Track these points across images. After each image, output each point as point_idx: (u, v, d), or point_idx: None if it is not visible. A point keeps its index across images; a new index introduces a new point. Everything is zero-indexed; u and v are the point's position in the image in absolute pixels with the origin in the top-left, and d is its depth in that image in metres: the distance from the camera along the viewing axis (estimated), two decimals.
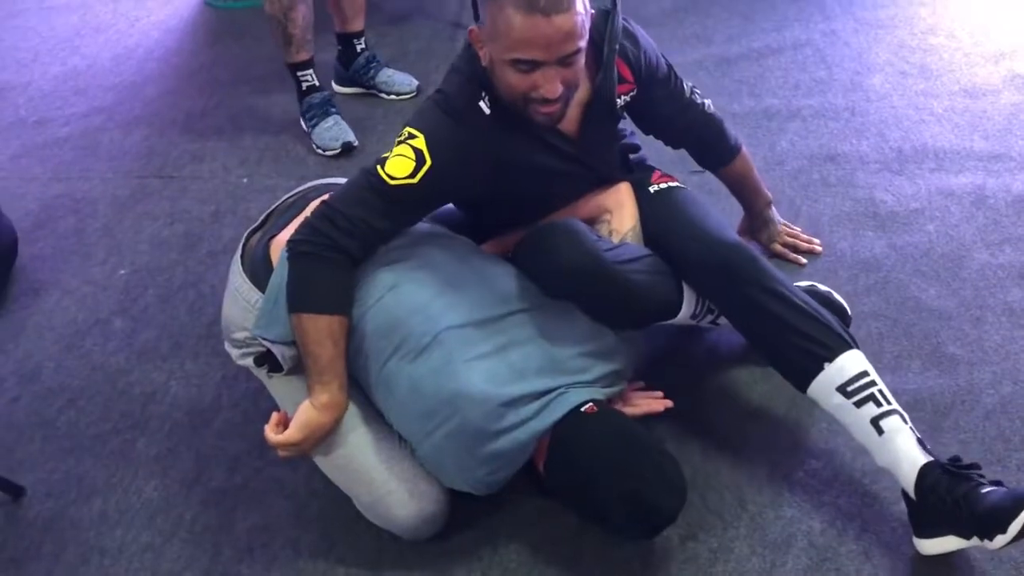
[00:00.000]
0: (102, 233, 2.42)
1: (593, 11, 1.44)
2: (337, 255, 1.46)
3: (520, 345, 1.47)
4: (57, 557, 1.57)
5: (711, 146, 1.88)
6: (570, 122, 1.55)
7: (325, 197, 1.55)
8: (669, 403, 1.63)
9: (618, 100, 1.59)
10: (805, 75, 2.73)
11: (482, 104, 1.47)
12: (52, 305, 2.16)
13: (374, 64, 2.90)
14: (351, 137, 2.62)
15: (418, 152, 1.44)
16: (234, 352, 1.64)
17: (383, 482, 1.46)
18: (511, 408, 1.39)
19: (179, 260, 2.28)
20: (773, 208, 2.05)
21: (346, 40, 2.85)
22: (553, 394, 1.43)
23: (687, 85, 1.73)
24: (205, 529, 1.60)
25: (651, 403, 1.63)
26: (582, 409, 1.43)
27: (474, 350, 1.43)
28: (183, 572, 1.53)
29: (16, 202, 2.55)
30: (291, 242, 1.48)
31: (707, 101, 1.79)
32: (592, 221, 1.64)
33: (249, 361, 1.60)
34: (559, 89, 1.38)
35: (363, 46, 2.88)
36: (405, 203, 1.48)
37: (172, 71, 3.29)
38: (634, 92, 1.61)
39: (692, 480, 1.58)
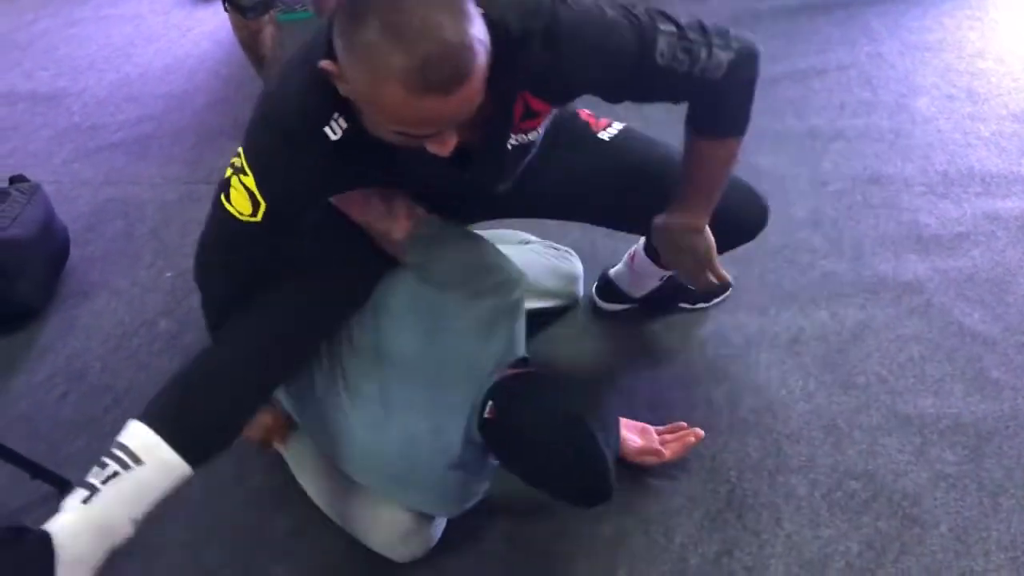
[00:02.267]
0: (150, 236, 2.47)
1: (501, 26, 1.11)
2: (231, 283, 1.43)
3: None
4: None
5: (698, 113, 1.39)
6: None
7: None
8: (700, 432, 1.63)
9: (522, 138, 1.33)
10: (850, 96, 2.71)
11: (328, 130, 1.17)
12: (101, 306, 2.22)
13: None
14: None
15: (250, 193, 1.23)
16: None
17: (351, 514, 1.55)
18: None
19: None
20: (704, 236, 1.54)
21: None
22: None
23: (692, 54, 1.24)
24: (244, 529, 1.62)
25: (684, 440, 1.63)
26: (485, 415, 1.43)
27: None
28: (220, 571, 1.56)
29: (69, 205, 2.62)
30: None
31: (725, 59, 1.26)
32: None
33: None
34: (452, 147, 1.12)
35: None
36: (258, 235, 1.31)
37: (221, 81, 3.36)
38: (549, 117, 1.37)
39: (728, 499, 1.58)
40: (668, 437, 1.65)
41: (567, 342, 1.95)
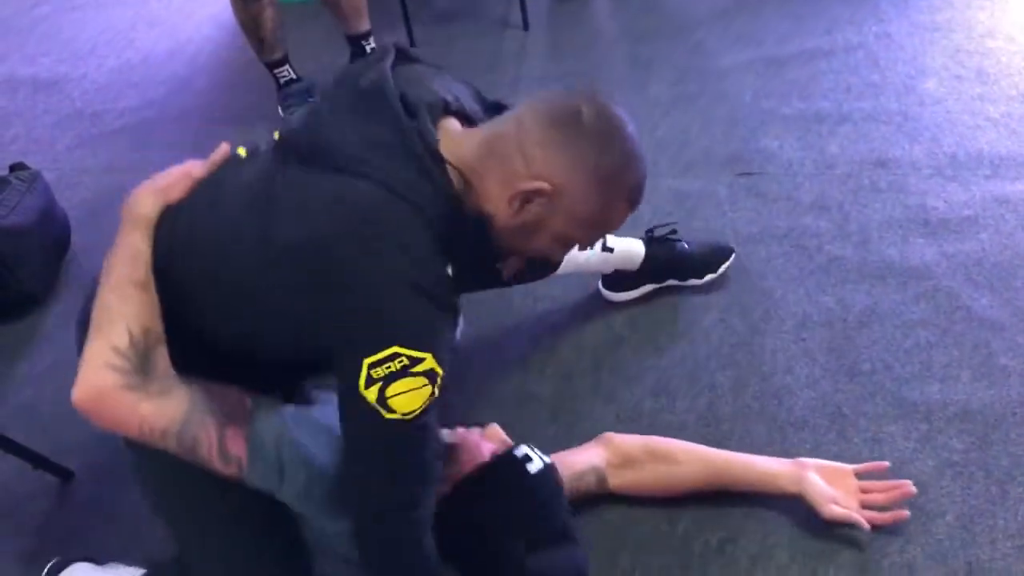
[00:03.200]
0: None
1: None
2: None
3: None
4: (102, 540, 1.61)
5: None
6: None
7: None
8: (912, 489, 1.46)
9: None
10: (857, 78, 2.68)
11: (448, 270, 1.11)
12: None
13: None
14: None
15: (430, 374, 1.07)
16: None
17: None
18: None
19: None
20: None
21: (355, 42, 2.87)
22: None
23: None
24: None
25: (895, 513, 1.46)
26: None
27: None
28: None
29: (71, 192, 2.61)
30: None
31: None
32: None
33: None
34: None
35: (372, 46, 2.88)
36: (432, 422, 1.13)
37: (223, 65, 3.34)
38: None
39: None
40: (876, 495, 1.46)
41: (570, 330, 1.94)
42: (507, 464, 1.32)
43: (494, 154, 1.12)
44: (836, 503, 1.45)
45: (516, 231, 1.15)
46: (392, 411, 1.06)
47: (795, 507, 1.52)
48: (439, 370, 1.07)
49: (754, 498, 1.54)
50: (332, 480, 1.19)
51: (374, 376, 1.04)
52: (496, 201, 1.12)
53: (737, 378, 1.77)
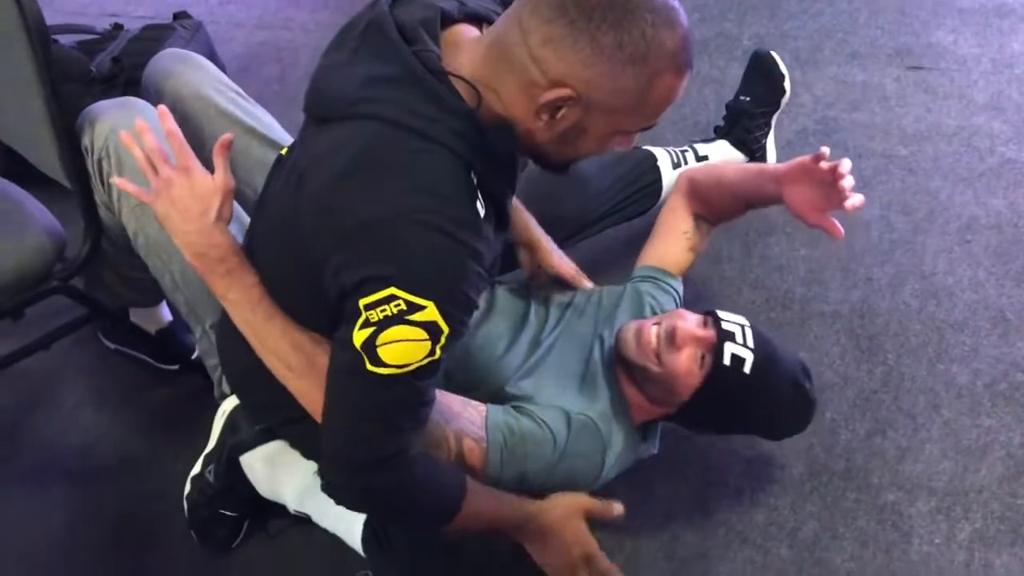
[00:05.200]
0: (303, 81, 2.49)
1: None
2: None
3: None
4: None
5: None
6: None
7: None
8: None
9: None
10: None
11: (479, 204, 0.98)
12: None
13: None
14: None
15: (431, 327, 0.94)
16: None
17: None
18: None
19: None
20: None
21: None
22: None
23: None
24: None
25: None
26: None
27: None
28: None
29: (224, 47, 2.65)
30: (349, 490, 1.08)
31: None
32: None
33: None
34: None
35: None
36: (429, 378, 1.01)
37: None
38: None
39: (884, 381, 1.55)
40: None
41: None
42: (723, 375, 1.28)
43: (504, 60, 0.94)
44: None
45: (558, 142, 0.99)
46: (377, 362, 0.94)
47: (949, 406, 1.49)
48: (444, 326, 0.93)
49: (906, 395, 1.52)
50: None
51: (370, 319, 0.93)
52: (524, 114, 0.96)
53: (895, 274, 1.72)
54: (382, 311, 0.92)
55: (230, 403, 1.40)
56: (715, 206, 1.54)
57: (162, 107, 1.17)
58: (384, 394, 0.98)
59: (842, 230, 1.31)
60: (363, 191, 0.93)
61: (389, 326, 0.93)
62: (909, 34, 2.31)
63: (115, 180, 1.23)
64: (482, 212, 0.97)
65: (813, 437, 1.48)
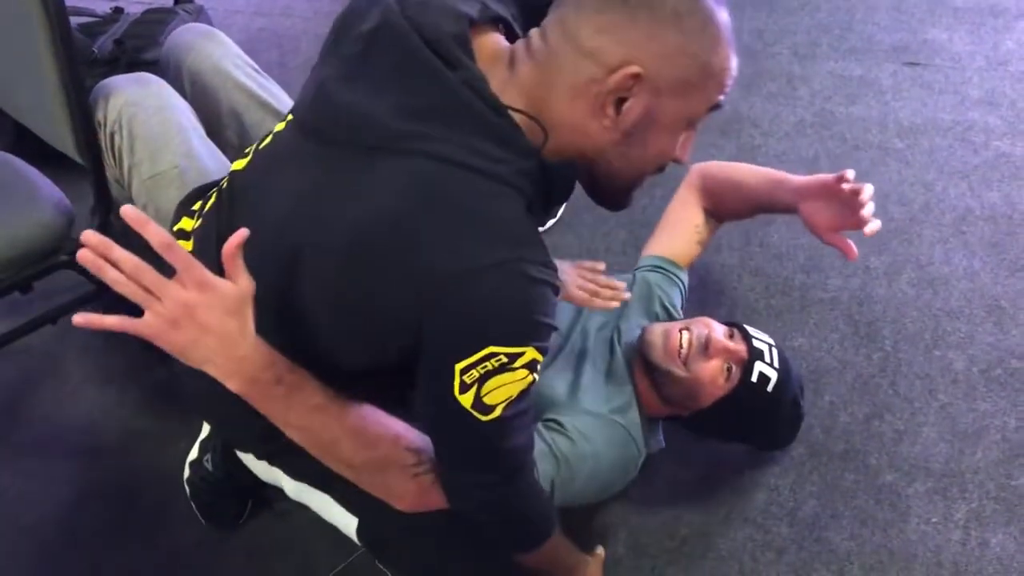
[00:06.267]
0: (304, 69, 2.49)
1: None
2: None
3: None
4: None
5: None
6: None
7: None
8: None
9: None
10: None
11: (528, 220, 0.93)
12: None
13: None
14: None
15: (531, 364, 0.91)
16: None
17: None
18: None
19: None
20: None
21: None
22: None
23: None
24: None
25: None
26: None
27: None
28: None
29: (223, 31, 2.66)
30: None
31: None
32: None
33: None
34: None
35: None
36: (531, 407, 1.00)
37: None
38: None
39: (882, 366, 1.58)
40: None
41: None
42: (750, 391, 1.32)
43: (553, 71, 0.88)
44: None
45: (627, 143, 0.91)
46: (489, 411, 0.92)
47: (945, 391, 1.52)
48: (540, 357, 0.91)
49: (902, 379, 1.55)
50: None
51: (467, 381, 0.89)
52: (586, 127, 0.90)
53: (892, 263, 1.75)
54: (483, 368, 0.88)
55: None
56: (726, 206, 1.56)
57: (136, 214, 0.85)
58: (497, 430, 0.95)
59: (856, 251, 1.34)
60: (437, 240, 0.85)
61: (492, 377, 0.89)
62: (905, 31, 2.34)
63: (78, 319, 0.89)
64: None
65: (813, 420, 1.50)
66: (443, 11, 0.91)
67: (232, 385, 0.91)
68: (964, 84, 2.16)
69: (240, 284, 0.88)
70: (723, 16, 0.89)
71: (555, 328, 0.93)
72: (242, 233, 0.87)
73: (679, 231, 1.58)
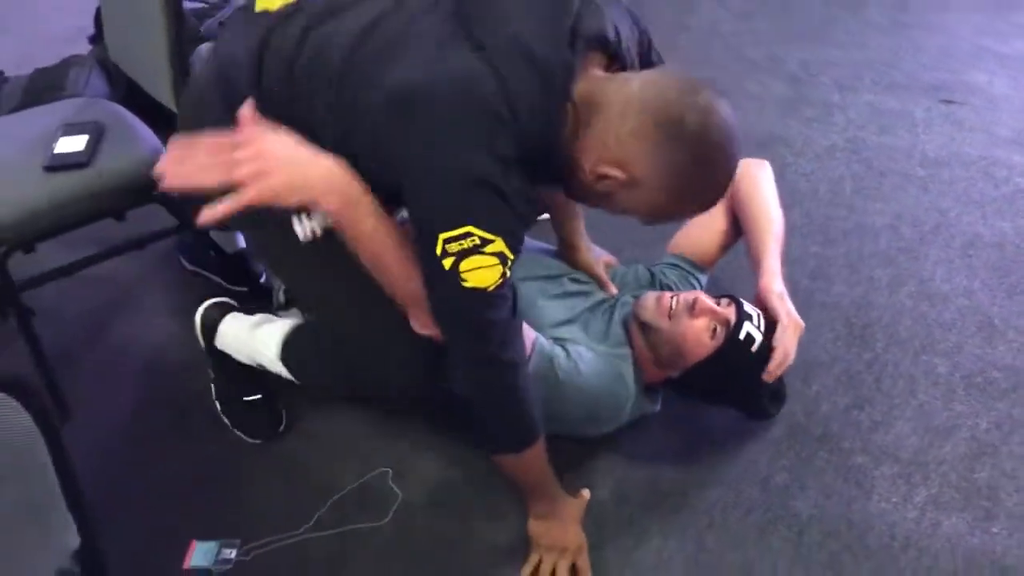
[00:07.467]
0: None
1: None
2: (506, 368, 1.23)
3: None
4: None
5: None
6: None
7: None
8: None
9: None
10: None
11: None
12: None
13: None
14: None
15: (501, 255, 1.11)
16: None
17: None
18: None
19: None
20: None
21: None
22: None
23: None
24: None
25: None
26: None
27: None
28: None
29: None
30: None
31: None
32: None
33: None
34: None
35: None
36: (509, 295, 1.18)
37: None
38: None
39: (869, 364, 1.70)
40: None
41: None
42: (736, 348, 1.43)
43: (600, 115, 1.10)
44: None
45: (588, 191, 1.16)
46: (467, 283, 1.11)
47: (925, 391, 1.64)
48: (509, 254, 1.11)
49: (887, 378, 1.68)
50: None
51: (449, 250, 1.08)
52: (585, 158, 1.12)
53: (895, 276, 1.88)
54: (460, 244, 1.08)
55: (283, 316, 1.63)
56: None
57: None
58: (480, 303, 1.13)
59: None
60: (450, 127, 1.06)
61: (468, 256, 1.09)
62: (947, 71, 2.46)
63: (203, 217, 1.10)
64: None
65: (796, 405, 1.64)
66: (597, 19, 1.13)
67: (331, 201, 1.12)
68: (995, 124, 2.27)
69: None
70: (716, 194, 1.14)
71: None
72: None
73: (703, 233, 1.70)
